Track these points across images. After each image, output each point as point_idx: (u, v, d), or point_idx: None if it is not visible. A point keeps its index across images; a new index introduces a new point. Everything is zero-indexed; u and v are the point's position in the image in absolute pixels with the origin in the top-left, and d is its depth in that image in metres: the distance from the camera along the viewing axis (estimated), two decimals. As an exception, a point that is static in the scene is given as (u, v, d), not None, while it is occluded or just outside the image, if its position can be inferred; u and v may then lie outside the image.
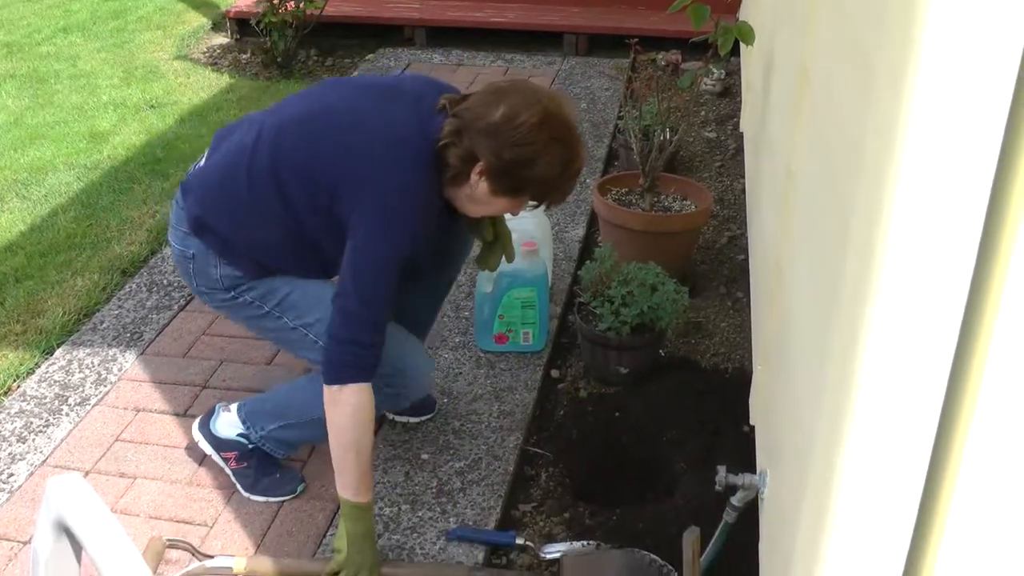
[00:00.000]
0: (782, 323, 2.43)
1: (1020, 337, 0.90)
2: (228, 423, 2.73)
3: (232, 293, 2.58)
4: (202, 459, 2.86)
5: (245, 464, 2.73)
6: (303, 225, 2.44)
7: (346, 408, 2.31)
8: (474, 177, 2.33)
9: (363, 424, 2.34)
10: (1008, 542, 1.01)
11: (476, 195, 2.39)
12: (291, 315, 2.57)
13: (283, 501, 2.72)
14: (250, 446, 2.72)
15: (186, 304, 3.62)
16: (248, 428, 2.70)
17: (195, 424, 2.80)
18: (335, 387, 2.31)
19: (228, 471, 2.75)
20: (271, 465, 2.75)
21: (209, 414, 2.78)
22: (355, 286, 2.32)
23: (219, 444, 2.74)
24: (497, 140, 2.27)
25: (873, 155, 0.97)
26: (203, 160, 2.61)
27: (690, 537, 1.94)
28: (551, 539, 2.66)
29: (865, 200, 1.00)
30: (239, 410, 2.73)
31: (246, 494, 2.73)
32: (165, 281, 3.77)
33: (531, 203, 2.48)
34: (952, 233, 0.89)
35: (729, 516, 2.38)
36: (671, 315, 3.15)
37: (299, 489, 2.74)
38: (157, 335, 3.43)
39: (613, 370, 3.20)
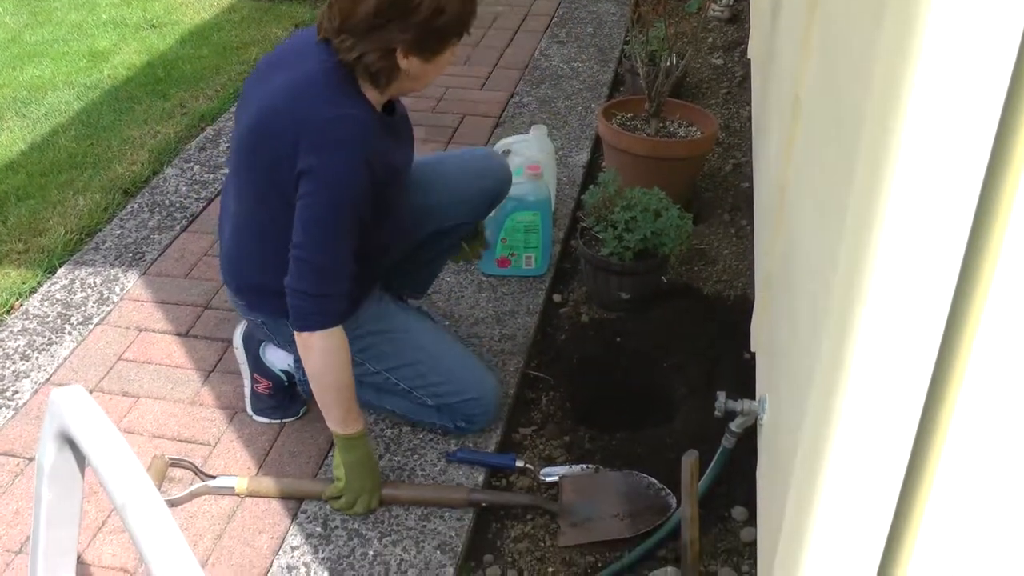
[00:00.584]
0: (784, 247, 2.43)
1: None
2: (279, 356, 2.73)
3: None
4: (206, 378, 2.88)
5: (269, 393, 2.73)
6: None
7: (317, 353, 2.33)
8: (403, 62, 2.27)
9: (337, 365, 2.35)
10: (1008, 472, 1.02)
11: (414, 73, 2.32)
12: (373, 362, 2.59)
13: (285, 423, 2.73)
14: (286, 383, 2.73)
15: (188, 224, 3.61)
16: (296, 369, 2.69)
17: (239, 332, 2.79)
18: (304, 334, 2.33)
19: (247, 389, 2.76)
20: (288, 395, 2.76)
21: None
22: (310, 236, 2.29)
23: (259, 367, 2.74)
24: (397, 19, 2.20)
25: (882, 80, 0.96)
26: (221, 239, 2.64)
27: (688, 460, 1.95)
28: (551, 462, 2.68)
29: (872, 125, 0.99)
30: None
31: (251, 414, 2.74)
32: (167, 201, 3.76)
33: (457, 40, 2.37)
34: (960, 159, 0.88)
35: (728, 442, 2.39)
36: (674, 241, 3.13)
37: (301, 412, 2.76)
38: (159, 255, 3.43)
39: (615, 295, 3.20)
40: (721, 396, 2.32)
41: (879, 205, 0.92)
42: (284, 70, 2.38)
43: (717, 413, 2.32)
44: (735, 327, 3.13)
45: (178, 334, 3.06)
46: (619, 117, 3.80)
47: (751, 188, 3.82)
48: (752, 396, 2.70)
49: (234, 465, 2.59)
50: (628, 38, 4.72)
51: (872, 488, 1.06)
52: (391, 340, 2.60)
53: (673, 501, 2.48)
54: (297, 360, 2.70)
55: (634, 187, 3.21)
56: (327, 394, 2.38)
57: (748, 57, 4.87)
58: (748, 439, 2.40)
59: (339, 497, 2.42)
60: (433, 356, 2.62)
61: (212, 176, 3.93)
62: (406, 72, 2.31)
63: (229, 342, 2.98)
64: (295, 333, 2.34)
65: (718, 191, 3.98)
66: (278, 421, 2.73)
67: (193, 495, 2.46)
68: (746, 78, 4.79)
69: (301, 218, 2.28)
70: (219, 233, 2.67)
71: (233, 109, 4.51)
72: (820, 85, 2.10)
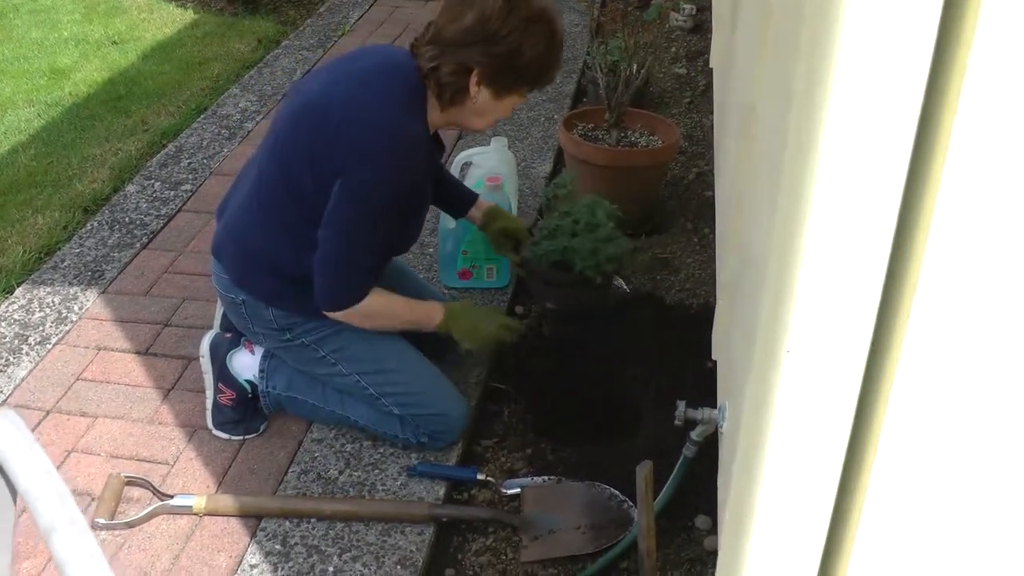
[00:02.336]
0: (739, 254, 2.43)
1: (950, 234, 0.89)
2: (245, 365, 2.72)
3: (288, 335, 2.59)
4: (165, 396, 2.85)
5: (232, 404, 2.71)
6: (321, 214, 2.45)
7: (367, 314, 2.50)
8: (473, 88, 2.39)
9: (388, 314, 2.57)
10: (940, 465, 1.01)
11: (480, 105, 2.44)
12: (346, 364, 2.60)
13: (246, 439, 2.70)
14: (249, 395, 2.71)
15: (149, 242, 3.59)
16: (261, 380, 2.70)
17: (206, 340, 2.77)
18: (339, 313, 2.48)
19: (210, 401, 2.73)
20: (251, 409, 2.74)
21: (230, 341, 2.75)
22: (349, 230, 2.39)
23: (224, 376, 2.71)
24: (482, 43, 2.33)
25: (801, 92, 0.96)
26: (225, 215, 2.64)
27: (642, 471, 1.95)
28: (513, 474, 2.67)
29: (795, 134, 0.98)
30: (264, 358, 2.71)
31: (212, 427, 2.72)
32: (127, 219, 3.73)
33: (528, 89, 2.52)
34: (880, 159, 0.87)
35: (688, 451, 2.38)
36: (587, 261, 2.96)
37: (262, 428, 2.74)
38: (119, 273, 3.40)
39: (542, 303, 3.20)
40: (681, 405, 2.31)
41: (801, 211, 0.91)
42: (356, 63, 2.51)
43: (677, 422, 2.31)
44: (698, 336, 3.12)
45: (137, 352, 3.03)
46: (580, 127, 3.80)
47: (714, 197, 3.82)
48: (714, 405, 2.70)
49: (193, 483, 2.57)
50: (590, 49, 4.72)
51: (809, 491, 1.05)
52: (369, 344, 2.60)
53: (636, 513, 2.47)
54: (262, 370, 2.68)
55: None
56: (404, 323, 2.63)
57: (711, 66, 4.88)
58: (711, 447, 2.39)
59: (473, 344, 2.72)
60: (408, 366, 2.63)
61: (173, 193, 3.91)
62: (472, 100, 2.42)
63: (189, 359, 2.97)
64: (329, 314, 2.47)
65: (681, 200, 3.98)
66: (239, 437, 2.70)
67: (151, 515, 2.44)
68: (709, 87, 4.80)
69: (334, 216, 2.38)
70: (219, 210, 2.68)
71: (195, 124, 4.49)
72: (771, 93, 2.10)
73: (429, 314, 2.64)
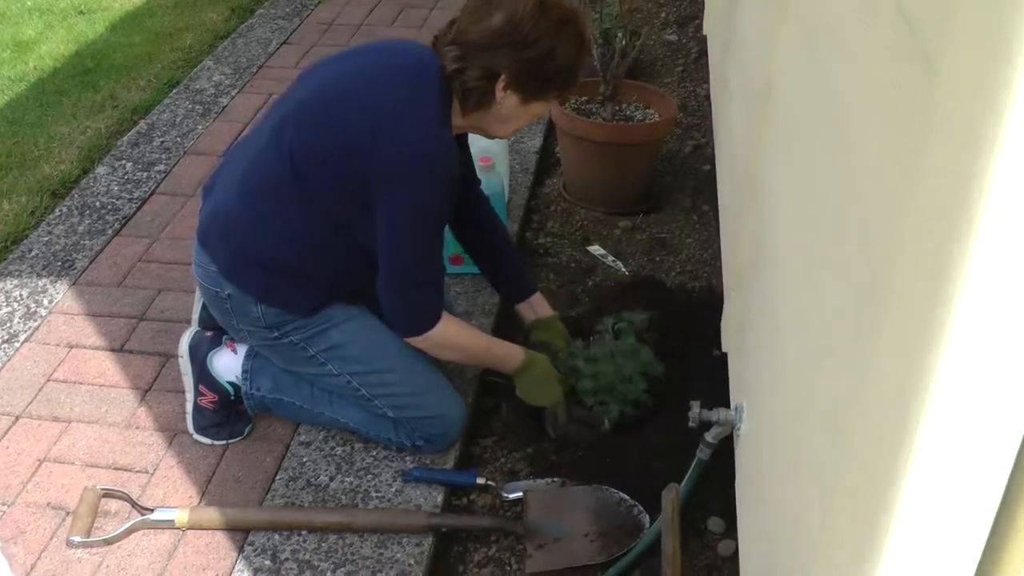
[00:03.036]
0: (759, 244, 2.28)
1: None
2: (227, 366, 2.56)
3: (276, 333, 2.42)
4: (142, 397, 2.68)
5: (214, 408, 2.55)
6: (335, 213, 2.31)
7: (445, 344, 2.41)
8: (500, 94, 2.25)
9: (465, 339, 2.47)
10: None
11: (505, 112, 2.31)
12: (337, 363, 2.44)
13: (229, 444, 2.55)
14: (232, 397, 2.55)
15: (121, 228, 3.40)
16: (245, 381, 2.54)
17: (185, 339, 2.61)
18: (419, 338, 2.37)
19: (190, 404, 2.57)
20: (234, 412, 2.58)
21: (211, 341, 2.59)
22: (402, 250, 2.28)
23: (205, 378, 2.55)
24: (510, 46, 2.19)
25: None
26: (212, 197, 2.46)
27: (669, 495, 1.81)
28: (513, 476, 2.53)
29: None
30: (247, 357, 2.55)
31: (193, 432, 2.55)
32: (98, 203, 3.54)
33: (557, 95, 2.39)
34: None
35: (703, 453, 2.25)
36: (612, 414, 2.62)
37: (247, 431, 2.58)
38: (90, 263, 3.22)
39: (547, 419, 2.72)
40: (695, 406, 2.18)
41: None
42: (376, 56, 2.37)
43: (691, 424, 2.18)
44: (702, 321, 2.98)
45: (112, 349, 2.86)
46: (573, 101, 3.63)
47: (712, 171, 3.67)
48: (725, 397, 2.56)
49: (174, 494, 2.41)
50: (579, 16, 4.53)
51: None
52: (361, 342, 2.44)
53: (646, 520, 2.33)
54: (245, 371, 2.53)
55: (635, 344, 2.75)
56: (481, 361, 2.59)
57: (704, 33, 4.71)
58: (721, 444, 2.25)
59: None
60: (402, 365, 2.46)
61: (145, 174, 3.72)
62: (499, 105, 2.28)
63: (167, 356, 2.80)
64: (409, 340, 2.38)
65: (678, 175, 3.82)
66: (222, 442, 2.54)
67: (130, 531, 2.28)
68: (702, 55, 4.64)
69: (385, 236, 2.26)
70: (206, 189, 2.51)
71: (167, 100, 4.29)
72: (800, 73, 1.94)
73: (510, 355, 2.54)
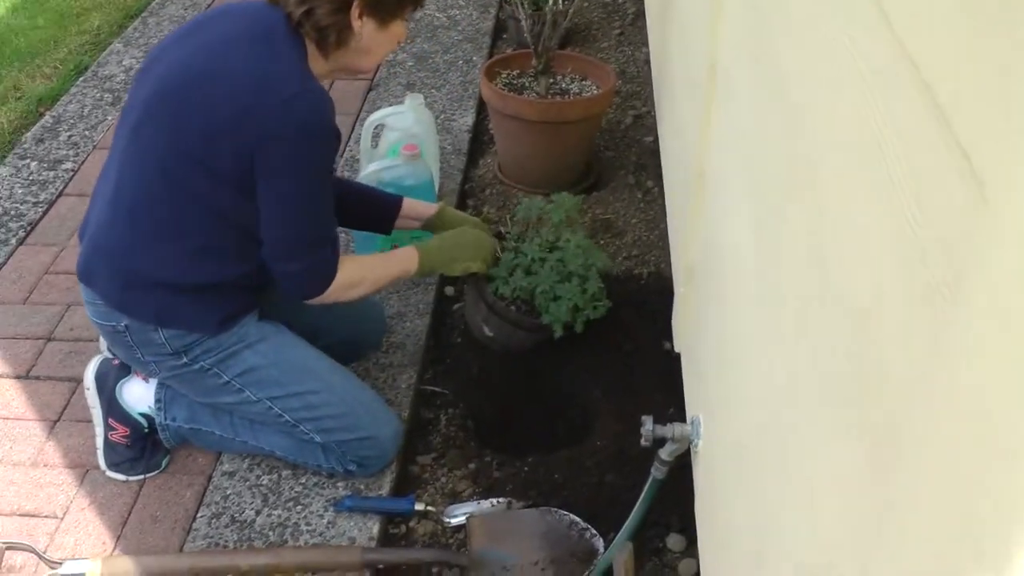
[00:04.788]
0: (708, 238, 2.10)
1: None
2: (139, 396, 2.35)
3: (185, 359, 2.19)
4: (50, 429, 2.47)
5: (127, 442, 2.34)
6: (213, 202, 2.09)
7: (349, 290, 2.25)
8: (356, 23, 2.09)
9: (371, 276, 2.31)
10: None
11: (364, 42, 2.14)
12: (254, 388, 2.22)
13: (146, 479, 2.34)
14: (146, 430, 2.34)
15: (26, 236, 3.16)
16: (159, 412, 2.34)
17: (91, 369, 2.39)
18: (319, 296, 2.21)
19: (100, 440, 2.36)
20: (148, 445, 2.37)
21: (119, 369, 2.38)
22: (291, 224, 2.12)
23: (114, 411, 2.34)
24: None
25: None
26: (86, 234, 2.24)
27: (622, 557, 1.62)
28: (455, 498, 2.34)
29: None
30: (160, 386, 2.34)
31: (105, 469, 2.35)
32: (0, 209, 3.28)
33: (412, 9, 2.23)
34: None
35: (658, 472, 2.08)
36: (561, 317, 2.50)
37: (164, 463, 2.37)
38: (-9, 278, 2.98)
39: (477, 324, 2.69)
40: (648, 422, 2.01)
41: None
42: (216, 27, 2.14)
43: (644, 442, 2.01)
44: (651, 311, 2.81)
45: (16, 376, 2.63)
46: (504, 76, 3.41)
47: (656, 143, 3.48)
48: (680, 398, 2.39)
49: (87, 541, 2.20)
50: (508, -20, 4.30)
51: None
52: (278, 362, 2.23)
53: (600, 544, 2.16)
54: (158, 400, 2.32)
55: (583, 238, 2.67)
56: (385, 278, 2.37)
57: (640, -8, 4.51)
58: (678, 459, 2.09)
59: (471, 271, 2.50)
60: (326, 385, 2.26)
61: (52, 173, 3.46)
62: (357, 37, 2.12)
63: (77, 381, 2.58)
64: (313, 300, 2.21)
65: (619, 148, 3.62)
66: (138, 477, 2.34)
67: (36, 589, 2.08)
68: (639, 15, 4.43)
69: (276, 210, 2.08)
70: (81, 230, 2.27)
71: (74, 88, 4.02)
72: (746, 57, 1.75)
73: (406, 260, 2.39)
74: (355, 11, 2.06)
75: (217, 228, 2.11)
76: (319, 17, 2.05)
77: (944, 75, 0.75)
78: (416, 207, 2.60)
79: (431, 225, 2.60)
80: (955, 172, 0.70)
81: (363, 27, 2.10)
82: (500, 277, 2.53)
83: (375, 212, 2.59)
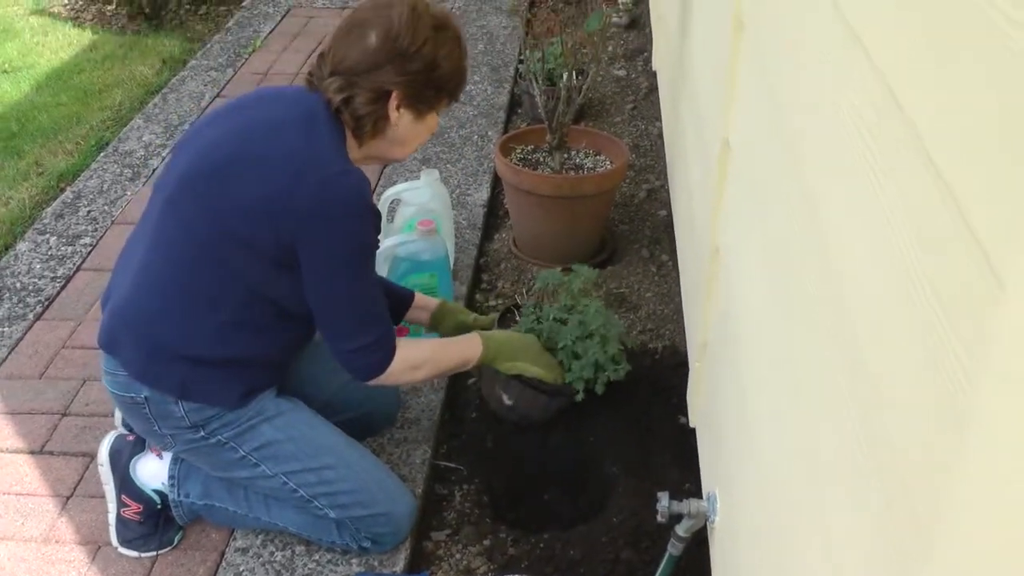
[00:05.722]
0: (723, 313, 2.10)
1: None
2: (152, 472, 2.35)
3: (202, 433, 2.19)
4: (63, 505, 2.46)
5: (140, 519, 2.33)
6: (247, 276, 2.10)
7: (408, 374, 2.30)
8: (393, 114, 2.14)
9: (432, 361, 2.34)
10: None
11: (400, 132, 2.19)
12: (271, 463, 2.22)
13: (159, 555, 2.33)
14: (159, 506, 2.33)
15: (43, 311, 3.17)
16: (172, 488, 2.33)
17: (105, 446, 2.39)
18: (380, 377, 2.23)
19: (112, 516, 2.35)
20: (162, 521, 2.36)
21: (134, 446, 2.38)
22: (347, 297, 2.14)
23: (127, 488, 2.33)
24: (394, 62, 2.09)
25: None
26: (111, 303, 2.24)
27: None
28: (470, 575, 2.32)
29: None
30: (174, 462, 2.34)
31: (118, 546, 2.33)
32: (18, 284, 3.30)
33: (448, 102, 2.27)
34: None
35: (674, 548, 2.06)
36: (584, 375, 2.52)
37: (177, 539, 2.36)
38: (9, 353, 2.98)
39: (495, 394, 2.67)
40: (664, 498, 2.00)
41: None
42: (257, 109, 2.19)
43: (660, 519, 2.00)
44: (667, 386, 2.80)
45: (31, 451, 2.63)
46: (518, 151, 3.44)
47: (669, 216, 3.50)
48: (695, 471, 2.38)
49: (98, 619, 2.19)
50: (523, 57, 4.35)
51: None
52: (294, 439, 2.22)
53: (616, 623, 2.14)
54: (172, 476, 2.32)
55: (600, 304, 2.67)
56: (446, 366, 2.42)
57: (653, 68, 4.55)
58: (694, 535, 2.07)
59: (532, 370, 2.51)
60: (342, 461, 2.25)
61: (70, 248, 3.49)
62: (394, 127, 2.17)
63: (91, 456, 2.58)
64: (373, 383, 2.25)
65: (633, 223, 3.64)
66: (150, 554, 2.32)
67: (46, 668, 2.06)
68: (652, 90, 4.47)
69: (324, 290, 2.11)
70: (104, 299, 2.28)
71: (95, 164, 4.07)
72: (760, 134, 1.76)
73: (469, 348, 2.44)
74: (393, 102, 2.11)
75: (250, 303, 2.12)
76: (357, 105, 2.10)
77: (955, 161, 0.75)
78: (424, 299, 2.67)
79: (433, 319, 2.65)
80: (969, 258, 0.71)
81: (400, 118, 2.14)
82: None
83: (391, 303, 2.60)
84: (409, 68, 2.10)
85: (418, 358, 2.29)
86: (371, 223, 2.11)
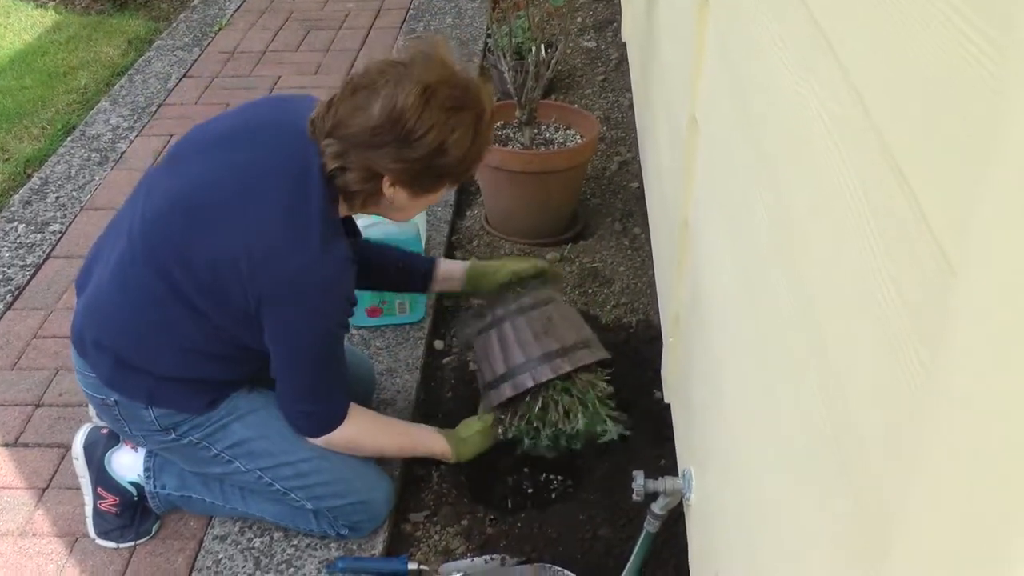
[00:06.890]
0: (694, 286, 2.10)
1: None
2: (127, 464, 2.34)
3: (173, 435, 2.17)
4: (39, 498, 2.45)
5: (116, 511, 2.32)
6: (217, 321, 2.04)
7: (349, 440, 2.22)
8: (388, 191, 1.99)
9: (377, 436, 2.30)
10: None
11: (398, 204, 2.06)
12: (244, 460, 2.20)
13: (137, 545, 2.32)
14: (135, 498, 2.32)
15: (13, 301, 3.15)
16: (148, 480, 2.32)
17: (79, 439, 2.37)
18: (320, 439, 2.19)
19: (89, 508, 2.34)
20: (138, 512, 2.35)
21: (108, 438, 2.36)
22: (302, 370, 2.10)
23: (103, 480, 2.32)
24: (392, 145, 1.90)
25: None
26: (85, 295, 2.19)
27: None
28: (449, 556, 2.32)
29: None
30: (149, 454, 2.33)
31: (95, 538, 2.32)
32: (-13, 275, 3.28)
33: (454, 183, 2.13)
34: None
35: (651, 526, 2.07)
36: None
37: (154, 529, 2.35)
38: (-21, 345, 2.97)
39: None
40: (639, 477, 2.01)
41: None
42: (252, 147, 2.04)
43: (635, 497, 2.00)
44: (642, 360, 2.80)
45: (5, 444, 2.61)
46: (489, 127, 3.42)
47: (641, 189, 3.49)
48: (671, 445, 2.39)
49: (76, 612, 2.18)
50: (490, 30, 4.33)
51: None
52: (267, 435, 2.20)
53: (595, 601, 2.14)
54: (147, 468, 2.31)
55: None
56: (396, 453, 2.41)
57: (623, 39, 4.53)
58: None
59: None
60: (316, 452, 2.22)
61: (39, 236, 3.46)
62: (389, 201, 2.04)
63: (67, 447, 2.56)
64: (312, 441, 2.19)
65: (605, 195, 3.63)
66: (128, 544, 2.32)
67: (26, 663, 2.05)
68: (622, 61, 4.45)
69: (283, 355, 2.07)
70: (79, 283, 2.23)
71: (62, 149, 4.02)
72: (725, 110, 1.75)
73: (428, 443, 2.38)
74: (387, 181, 1.97)
75: (215, 337, 2.07)
76: (349, 180, 1.96)
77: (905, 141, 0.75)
78: (450, 267, 2.58)
79: (469, 280, 2.56)
80: (922, 240, 0.71)
81: (395, 194, 2.01)
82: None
83: (412, 277, 2.59)
84: (407, 155, 1.91)
85: (359, 443, 2.25)
86: (343, 309, 2.05)
